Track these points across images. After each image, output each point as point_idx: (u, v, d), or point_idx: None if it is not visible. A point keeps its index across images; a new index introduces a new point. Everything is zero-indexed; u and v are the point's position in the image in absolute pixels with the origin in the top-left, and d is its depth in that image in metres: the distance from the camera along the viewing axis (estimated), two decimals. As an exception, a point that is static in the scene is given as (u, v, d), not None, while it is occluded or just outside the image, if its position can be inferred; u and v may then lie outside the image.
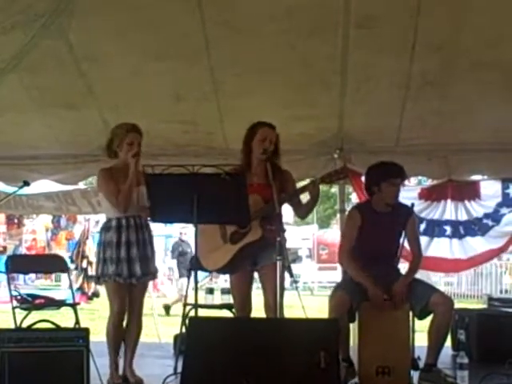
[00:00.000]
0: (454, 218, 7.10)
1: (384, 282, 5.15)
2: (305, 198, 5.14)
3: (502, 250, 7.33)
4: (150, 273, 5.36)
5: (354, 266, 5.25)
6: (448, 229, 7.13)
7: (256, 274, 5.24)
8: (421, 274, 5.91)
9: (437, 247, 7.16)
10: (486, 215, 7.08)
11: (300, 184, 5.50)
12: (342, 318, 4.92)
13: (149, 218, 5.32)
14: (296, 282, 5.38)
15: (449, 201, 7.08)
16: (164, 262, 22.72)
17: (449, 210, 7.11)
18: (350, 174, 6.55)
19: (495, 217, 7.06)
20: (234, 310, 5.66)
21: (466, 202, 7.09)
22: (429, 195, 7.15)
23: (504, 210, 7.03)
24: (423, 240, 6.85)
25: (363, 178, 6.70)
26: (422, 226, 7.03)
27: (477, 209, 7.10)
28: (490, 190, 7.09)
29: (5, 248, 19.21)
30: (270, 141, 5.04)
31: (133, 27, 5.17)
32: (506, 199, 7.05)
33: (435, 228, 7.13)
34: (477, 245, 7.13)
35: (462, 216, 7.10)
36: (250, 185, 4.91)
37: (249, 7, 4.97)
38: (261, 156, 5.00)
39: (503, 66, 5.44)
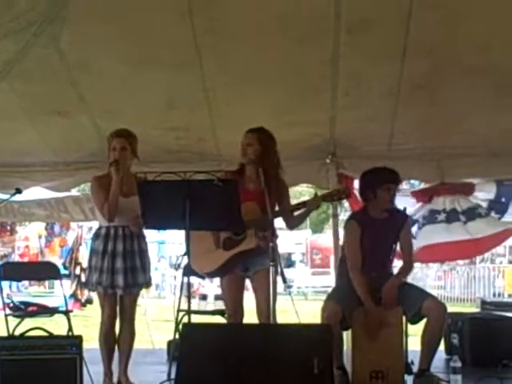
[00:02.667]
0: (449, 208, 7.04)
1: (380, 284, 5.17)
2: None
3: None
4: (138, 284, 5.33)
5: (362, 286, 5.20)
6: (442, 216, 7.01)
7: (247, 281, 5.24)
8: (413, 278, 5.92)
9: (429, 234, 7.03)
10: (488, 209, 7.01)
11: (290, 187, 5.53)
12: (335, 328, 4.92)
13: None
14: (290, 286, 5.37)
15: (442, 197, 7.04)
16: (156, 269, 22.72)
17: (442, 202, 7.05)
18: (343, 179, 6.57)
19: (499, 209, 7.01)
20: (226, 315, 5.66)
21: (463, 195, 7.04)
22: (421, 197, 7.15)
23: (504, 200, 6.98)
24: (425, 228, 6.82)
25: (356, 183, 6.74)
26: (423, 219, 7.02)
27: (474, 200, 7.05)
28: (485, 187, 7.07)
29: (5, 255, 19.18)
30: (248, 144, 5.08)
31: (124, 35, 5.16)
32: (502, 191, 7.02)
33: (437, 215, 7.06)
34: (481, 227, 6.97)
35: (462, 207, 7.03)
36: (246, 191, 4.96)
37: (239, 14, 4.97)
38: (244, 160, 5.11)
39: (494, 70, 5.44)
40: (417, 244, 6.68)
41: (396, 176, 5.38)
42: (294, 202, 5.37)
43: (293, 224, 5.26)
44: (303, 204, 5.08)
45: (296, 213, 5.17)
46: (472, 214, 6.98)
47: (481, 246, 7.31)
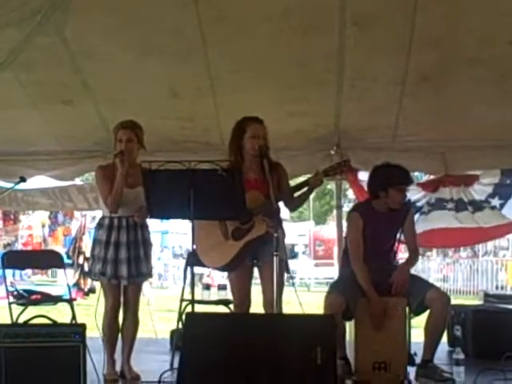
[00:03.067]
0: (456, 198, 7.05)
1: (382, 276, 5.18)
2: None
3: None
4: (142, 274, 5.35)
5: (364, 277, 5.20)
6: (451, 204, 7.03)
7: (256, 270, 5.24)
8: (415, 270, 5.93)
9: (437, 219, 7.07)
10: (493, 194, 7.03)
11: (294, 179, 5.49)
12: (338, 319, 4.93)
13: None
14: (292, 277, 5.36)
15: (447, 188, 7.05)
16: (159, 258, 22.78)
17: (448, 192, 7.06)
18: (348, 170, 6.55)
19: (502, 193, 7.03)
20: (232, 305, 5.67)
21: (467, 186, 7.05)
22: (426, 187, 7.15)
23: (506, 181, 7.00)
24: (433, 214, 6.83)
25: (360, 174, 6.73)
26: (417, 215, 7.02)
27: (478, 191, 7.06)
28: (488, 177, 7.08)
29: (9, 244, 19.19)
30: (263, 137, 5.01)
31: (128, 23, 5.17)
32: (505, 178, 7.03)
33: (433, 204, 7.10)
34: (489, 217, 7.01)
35: (467, 197, 7.03)
36: (247, 180, 4.90)
37: (245, 4, 4.97)
38: (255, 152, 4.97)
39: (498, 63, 5.44)
40: (422, 228, 6.74)
41: (409, 176, 5.41)
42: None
43: (294, 205, 5.21)
44: (305, 183, 5.04)
45: (297, 193, 5.12)
46: (478, 205, 7.00)
47: (488, 234, 7.38)
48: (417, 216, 6.78)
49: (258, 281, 5.23)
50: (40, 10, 5.05)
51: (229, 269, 5.20)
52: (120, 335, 5.42)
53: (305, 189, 5.03)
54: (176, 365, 4.49)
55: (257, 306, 5.22)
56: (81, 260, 15.81)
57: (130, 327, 5.40)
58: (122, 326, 5.41)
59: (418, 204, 7.03)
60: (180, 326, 6.12)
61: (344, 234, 6.18)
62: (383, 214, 5.37)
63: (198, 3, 4.98)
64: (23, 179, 5.84)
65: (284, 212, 5.24)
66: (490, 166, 6.90)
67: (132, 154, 5.22)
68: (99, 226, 5.33)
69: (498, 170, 6.99)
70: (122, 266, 5.21)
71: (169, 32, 5.29)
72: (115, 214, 5.20)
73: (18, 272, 17.44)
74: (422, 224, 6.85)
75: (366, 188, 5.76)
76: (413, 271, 5.53)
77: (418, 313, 5.23)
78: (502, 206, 7.02)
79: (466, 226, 7.03)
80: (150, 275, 5.55)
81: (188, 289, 5.44)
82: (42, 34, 5.23)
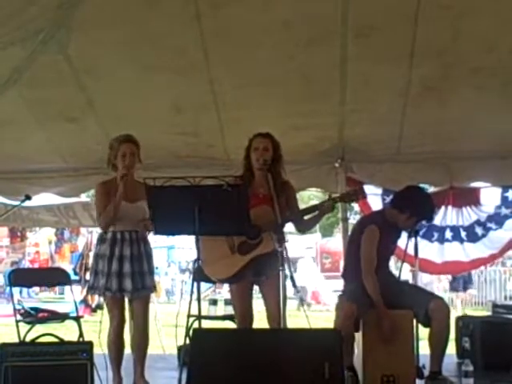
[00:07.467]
0: (454, 223, 7.14)
1: (389, 289, 5.19)
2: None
3: (502, 252, 7.43)
4: (146, 287, 5.34)
5: (376, 290, 5.18)
6: (448, 234, 7.16)
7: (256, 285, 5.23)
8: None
9: (435, 251, 7.22)
10: (489, 218, 7.10)
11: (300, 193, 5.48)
12: (349, 328, 4.91)
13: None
14: (299, 291, 5.33)
15: (449, 207, 7.09)
16: (166, 274, 22.75)
17: (449, 216, 7.12)
18: (352, 183, 6.55)
19: (498, 219, 7.09)
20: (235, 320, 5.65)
21: (468, 207, 7.10)
22: None
23: (504, 211, 7.08)
24: (421, 243, 6.89)
25: (365, 187, 6.72)
26: (422, 231, 7.03)
27: (478, 213, 7.13)
28: (490, 195, 7.11)
29: (15, 262, 19.20)
30: (264, 149, 5.04)
31: (132, 40, 5.18)
32: (504, 201, 7.08)
33: (434, 233, 7.16)
34: (478, 250, 7.20)
35: (464, 221, 7.11)
36: (256, 195, 4.94)
37: (247, 19, 4.98)
38: (259, 166, 5.01)
39: (502, 71, 5.44)
40: (424, 255, 6.82)
41: (433, 217, 5.71)
42: (301, 206, 5.33)
43: (303, 228, 5.22)
44: (316, 207, 5.05)
45: (307, 216, 5.13)
46: (472, 233, 7.17)
47: (475, 265, 7.81)
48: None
49: (259, 295, 5.21)
50: (44, 28, 5.07)
51: (232, 281, 5.19)
52: (131, 351, 5.39)
53: (315, 212, 5.04)
54: (184, 381, 4.48)
55: (257, 321, 5.20)
56: (88, 276, 15.78)
57: (141, 342, 5.38)
58: (132, 342, 5.37)
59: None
60: (187, 341, 6.10)
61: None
62: (392, 226, 5.38)
63: (200, 19, 4.99)
64: (28, 197, 5.85)
65: (289, 225, 5.22)
66: (494, 178, 6.89)
67: (133, 168, 5.26)
68: (101, 240, 5.31)
69: (499, 193, 7.06)
70: (127, 280, 5.20)
71: (172, 48, 5.30)
72: (105, 229, 5.23)
73: (25, 289, 17.48)
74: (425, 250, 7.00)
75: (370, 202, 5.74)
76: (420, 282, 5.53)
77: (426, 324, 5.19)
78: (495, 229, 7.17)
79: (457, 259, 7.27)
80: (154, 288, 5.53)
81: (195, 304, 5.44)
82: (45, 51, 5.25)
